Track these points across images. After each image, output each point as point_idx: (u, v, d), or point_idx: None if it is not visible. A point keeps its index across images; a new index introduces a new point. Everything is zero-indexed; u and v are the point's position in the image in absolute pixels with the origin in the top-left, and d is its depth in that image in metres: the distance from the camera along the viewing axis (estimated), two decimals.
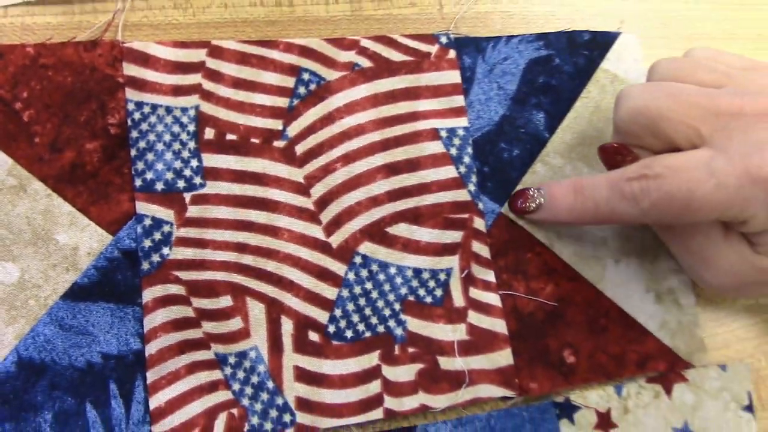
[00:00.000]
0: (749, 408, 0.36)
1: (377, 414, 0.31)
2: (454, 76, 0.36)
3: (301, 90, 0.34)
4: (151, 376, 0.30)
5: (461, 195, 0.34)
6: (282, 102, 0.34)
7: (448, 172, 0.34)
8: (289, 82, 0.34)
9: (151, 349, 0.30)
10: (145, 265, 0.31)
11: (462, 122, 0.35)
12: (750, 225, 0.30)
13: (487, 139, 0.36)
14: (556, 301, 0.35)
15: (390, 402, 0.32)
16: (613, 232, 0.36)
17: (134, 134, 0.32)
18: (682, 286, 0.36)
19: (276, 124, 0.33)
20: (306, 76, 0.34)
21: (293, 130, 0.34)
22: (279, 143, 0.33)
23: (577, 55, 0.38)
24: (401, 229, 0.34)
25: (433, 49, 0.36)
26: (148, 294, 0.30)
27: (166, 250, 0.31)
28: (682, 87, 0.31)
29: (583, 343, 0.34)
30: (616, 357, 0.35)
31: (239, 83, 0.33)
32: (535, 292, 0.35)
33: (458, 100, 0.35)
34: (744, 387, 0.36)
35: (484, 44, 0.37)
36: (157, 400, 0.30)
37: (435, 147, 0.35)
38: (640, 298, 0.36)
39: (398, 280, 0.33)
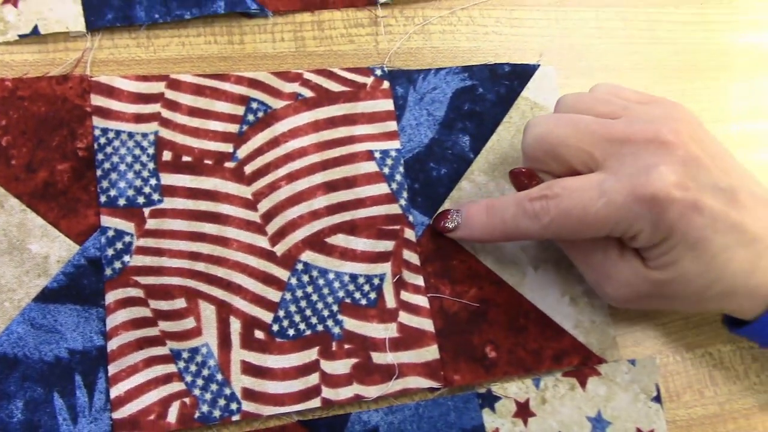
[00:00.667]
0: (657, 399, 0.40)
1: (315, 403, 0.35)
2: (387, 104, 0.40)
3: (250, 117, 0.38)
4: (113, 369, 0.34)
5: (393, 209, 0.39)
6: (233, 128, 0.38)
7: (381, 188, 0.39)
8: (239, 110, 0.38)
9: (112, 345, 0.34)
10: (108, 271, 0.35)
11: (395, 145, 0.40)
12: (638, 240, 0.34)
13: (418, 159, 0.40)
14: (479, 303, 0.39)
15: (327, 392, 0.36)
16: (533, 242, 0.41)
17: (100, 156, 0.36)
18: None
19: (227, 147, 0.38)
20: (254, 105, 0.39)
21: (243, 152, 0.38)
22: (230, 164, 0.38)
23: (499, 84, 0.42)
24: (339, 240, 0.38)
25: (369, 80, 0.40)
26: (111, 297, 0.35)
27: (126, 258, 0.35)
28: (581, 117, 0.35)
29: (504, 339, 0.39)
30: (534, 352, 0.39)
31: (194, 111, 0.38)
32: (459, 294, 0.39)
33: (391, 125, 0.40)
34: (652, 380, 0.40)
35: (415, 76, 0.41)
36: (117, 390, 0.34)
37: (369, 167, 0.39)
38: (557, 301, 0.40)
39: (336, 284, 0.37)
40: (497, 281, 0.39)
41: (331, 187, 0.38)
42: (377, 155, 0.39)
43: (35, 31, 0.37)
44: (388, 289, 0.38)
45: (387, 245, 0.38)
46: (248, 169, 0.38)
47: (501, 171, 0.41)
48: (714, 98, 0.47)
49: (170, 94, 0.38)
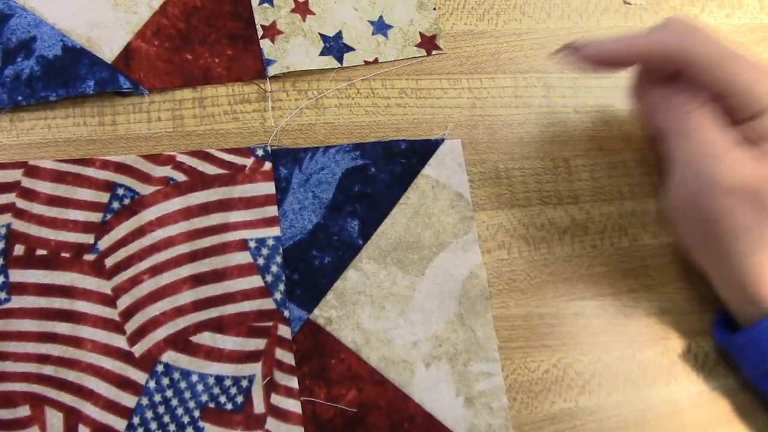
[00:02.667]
0: None
1: None
2: (268, 188, 0.37)
3: (115, 204, 0.36)
4: None
5: (266, 303, 0.36)
6: (95, 217, 0.36)
7: (254, 281, 0.36)
8: (103, 197, 0.36)
9: None
10: None
11: (273, 232, 0.37)
12: None
13: (299, 247, 0.37)
14: (358, 407, 0.36)
15: None
16: (426, 335, 0.37)
17: None
18: (495, 390, 0.37)
19: (88, 238, 0.35)
20: (120, 191, 0.36)
21: (104, 243, 0.36)
22: (89, 256, 0.35)
23: (394, 163, 0.39)
24: (205, 338, 0.35)
25: (249, 161, 0.38)
26: None
27: None
28: None
29: None
30: None
31: (53, 200, 0.36)
32: (335, 398, 0.36)
33: (271, 211, 0.37)
34: None
35: (302, 155, 0.38)
36: None
37: (242, 257, 0.36)
38: (449, 403, 0.37)
39: (199, 387, 0.35)
40: (380, 381, 0.36)
41: (198, 280, 0.36)
42: (252, 244, 0.36)
43: None
44: (258, 392, 0.35)
45: (258, 343, 0.35)
46: (109, 261, 0.35)
47: (393, 258, 0.38)
48: (647, 171, 0.43)
49: (27, 182, 0.36)
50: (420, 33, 0.42)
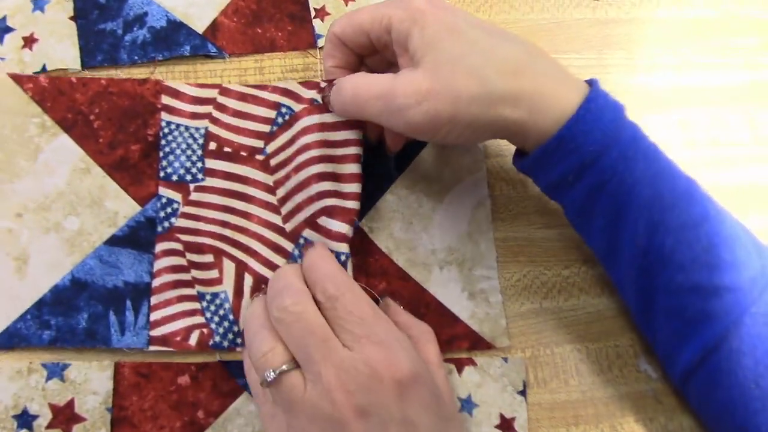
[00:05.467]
0: (522, 393, 0.47)
1: None
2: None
3: (279, 120, 0.49)
4: (154, 300, 0.46)
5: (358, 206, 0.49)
6: (265, 128, 0.49)
7: (358, 188, 0.47)
8: (271, 114, 0.49)
9: (155, 282, 0.46)
10: (159, 228, 0.47)
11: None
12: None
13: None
14: (388, 295, 0.47)
15: None
16: (441, 246, 0.50)
17: (163, 142, 0.48)
18: (492, 289, 0.49)
19: (259, 143, 0.49)
20: (284, 110, 0.49)
21: (270, 148, 0.49)
22: (259, 156, 0.49)
23: None
24: (324, 221, 0.46)
25: None
26: (159, 247, 0.47)
27: (173, 220, 0.47)
28: None
29: None
30: None
31: (238, 114, 0.49)
32: (371, 286, 0.48)
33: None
34: (520, 376, 0.48)
35: None
36: (155, 315, 0.46)
37: (354, 168, 0.47)
38: (457, 296, 0.49)
39: None
40: (405, 277, 0.49)
41: (322, 177, 0.46)
42: (361, 159, 0.47)
43: (43, 69, 0.49)
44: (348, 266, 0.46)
45: (350, 230, 0.46)
46: (273, 161, 0.49)
47: (421, 186, 0.52)
48: None
49: (221, 99, 0.49)
50: None
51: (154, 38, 0.51)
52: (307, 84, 0.48)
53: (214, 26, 0.52)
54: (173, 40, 0.51)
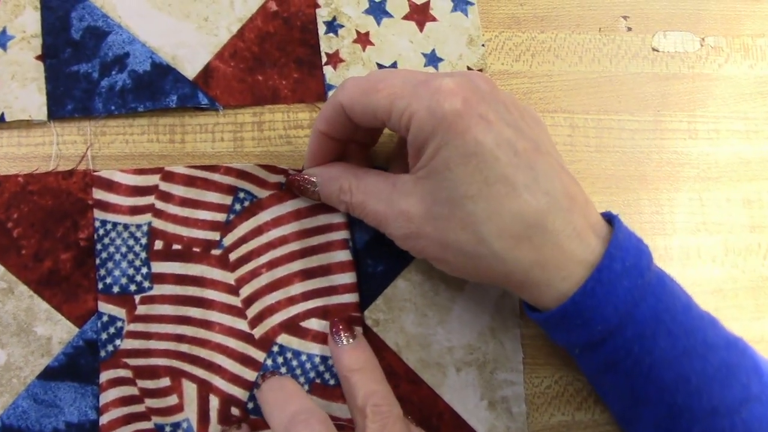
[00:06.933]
0: None
1: None
2: None
3: (237, 206, 0.42)
4: None
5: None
6: (220, 217, 0.42)
7: (353, 277, 0.42)
8: (227, 200, 0.42)
9: (104, 420, 0.39)
10: (102, 353, 0.39)
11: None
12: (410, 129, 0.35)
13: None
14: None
15: None
16: (460, 343, 0.43)
17: (98, 246, 0.40)
18: (516, 397, 0.42)
19: (214, 236, 0.41)
20: (242, 195, 0.42)
21: (228, 240, 0.41)
22: (216, 251, 0.41)
23: None
24: (312, 324, 0.41)
25: None
26: (104, 376, 0.39)
27: (118, 342, 0.40)
28: None
29: None
30: None
31: (186, 202, 0.41)
32: None
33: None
34: None
35: None
36: None
37: (344, 255, 0.42)
38: (475, 405, 0.42)
39: (308, 365, 0.41)
40: (415, 380, 0.42)
41: (307, 274, 0.41)
42: (351, 244, 0.42)
43: (1, 118, 0.41)
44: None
45: (357, 330, 0.41)
46: (232, 256, 0.41)
47: (438, 271, 0.40)
48: (658, 210, 0.47)
49: (164, 186, 0.41)
50: (467, 67, 0.46)
51: (135, 85, 0.43)
52: (272, 168, 0.41)
53: (207, 72, 0.44)
54: (158, 88, 0.43)
